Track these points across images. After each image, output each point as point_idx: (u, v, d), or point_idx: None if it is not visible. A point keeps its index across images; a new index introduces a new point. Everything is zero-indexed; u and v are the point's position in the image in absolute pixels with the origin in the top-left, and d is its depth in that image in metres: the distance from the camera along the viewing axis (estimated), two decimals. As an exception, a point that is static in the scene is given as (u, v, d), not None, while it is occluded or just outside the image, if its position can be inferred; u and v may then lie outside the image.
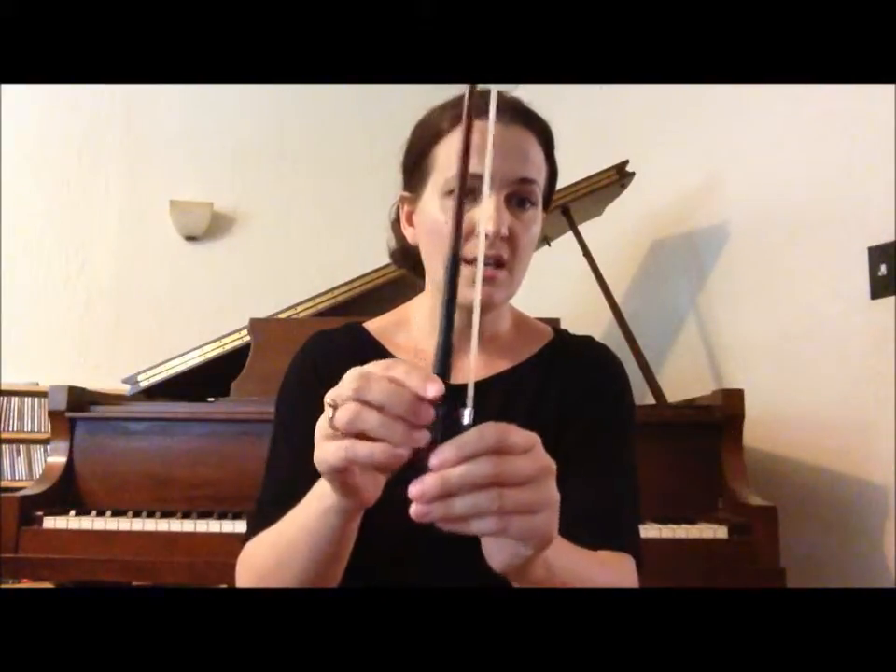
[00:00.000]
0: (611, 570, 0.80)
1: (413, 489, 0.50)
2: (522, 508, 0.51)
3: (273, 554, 0.76)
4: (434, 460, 0.50)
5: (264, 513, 0.82)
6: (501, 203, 0.84)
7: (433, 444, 0.51)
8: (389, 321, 0.98)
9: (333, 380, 0.94)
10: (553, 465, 0.54)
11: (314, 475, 0.60)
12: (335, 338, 0.96)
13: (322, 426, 0.56)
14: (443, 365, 0.52)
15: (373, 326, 0.97)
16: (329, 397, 0.55)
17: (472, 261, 0.80)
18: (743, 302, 2.38)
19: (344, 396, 0.53)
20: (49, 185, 3.92)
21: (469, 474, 0.50)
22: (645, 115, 2.93)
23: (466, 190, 0.54)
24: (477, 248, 0.82)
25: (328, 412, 0.55)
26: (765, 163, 2.32)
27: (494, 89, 0.55)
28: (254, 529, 0.84)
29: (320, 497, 0.67)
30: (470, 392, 0.52)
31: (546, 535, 0.54)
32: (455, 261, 0.53)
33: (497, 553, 0.57)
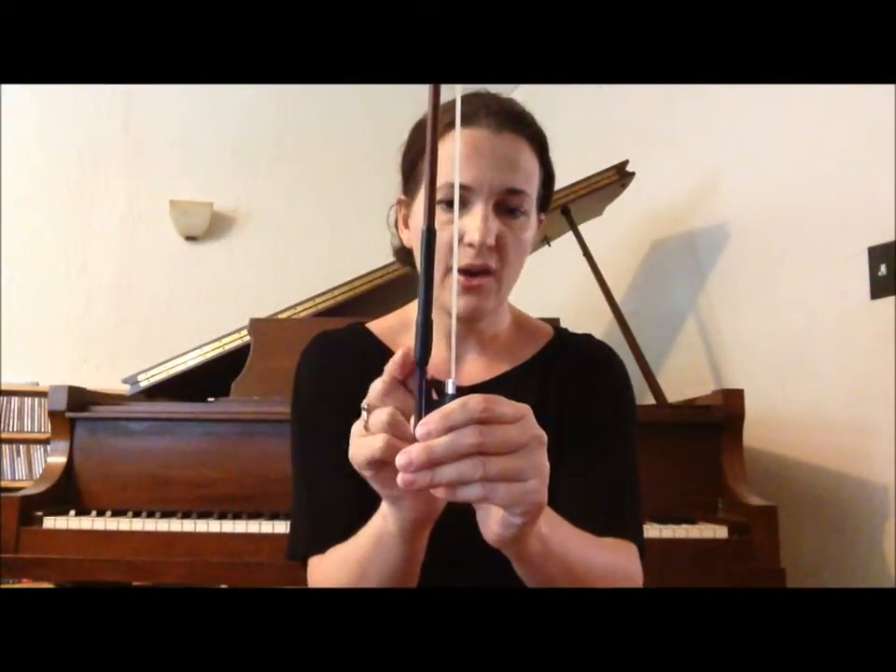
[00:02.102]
0: (613, 553, 0.81)
1: (400, 459, 0.51)
2: (507, 475, 0.52)
3: (349, 573, 0.76)
4: (420, 430, 0.51)
5: (323, 527, 0.83)
6: (490, 211, 0.83)
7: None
8: (392, 323, 0.98)
9: (343, 381, 0.94)
10: (543, 435, 0.55)
11: (360, 481, 0.60)
12: (340, 338, 0.96)
13: (357, 427, 0.59)
14: (424, 342, 0.54)
15: (377, 328, 0.97)
16: (364, 402, 0.58)
17: (460, 270, 0.82)
18: (743, 302, 2.38)
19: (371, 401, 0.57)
20: (49, 185, 3.92)
21: (454, 443, 0.51)
22: (645, 115, 2.93)
23: (437, 155, 0.55)
24: (465, 257, 0.83)
25: (363, 415, 0.58)
26: (765, 163, 2.32)
27: (458, 93, 0.55)
28: (317, 544, 0.84)
29: (382, 513, 0.68)
30: (452, 365, 0.55)
31: (535, 503, 0.55)
32: (430, 235, 0.54)
33: (490, 523, 0.58)
